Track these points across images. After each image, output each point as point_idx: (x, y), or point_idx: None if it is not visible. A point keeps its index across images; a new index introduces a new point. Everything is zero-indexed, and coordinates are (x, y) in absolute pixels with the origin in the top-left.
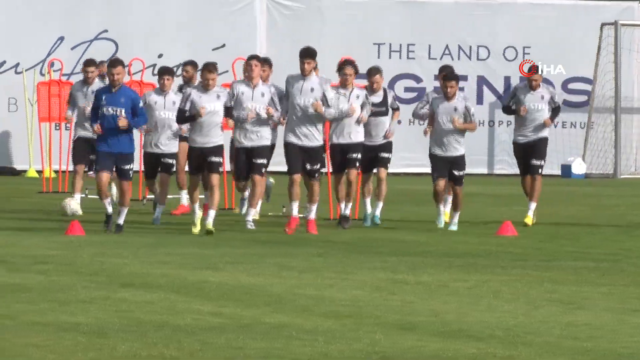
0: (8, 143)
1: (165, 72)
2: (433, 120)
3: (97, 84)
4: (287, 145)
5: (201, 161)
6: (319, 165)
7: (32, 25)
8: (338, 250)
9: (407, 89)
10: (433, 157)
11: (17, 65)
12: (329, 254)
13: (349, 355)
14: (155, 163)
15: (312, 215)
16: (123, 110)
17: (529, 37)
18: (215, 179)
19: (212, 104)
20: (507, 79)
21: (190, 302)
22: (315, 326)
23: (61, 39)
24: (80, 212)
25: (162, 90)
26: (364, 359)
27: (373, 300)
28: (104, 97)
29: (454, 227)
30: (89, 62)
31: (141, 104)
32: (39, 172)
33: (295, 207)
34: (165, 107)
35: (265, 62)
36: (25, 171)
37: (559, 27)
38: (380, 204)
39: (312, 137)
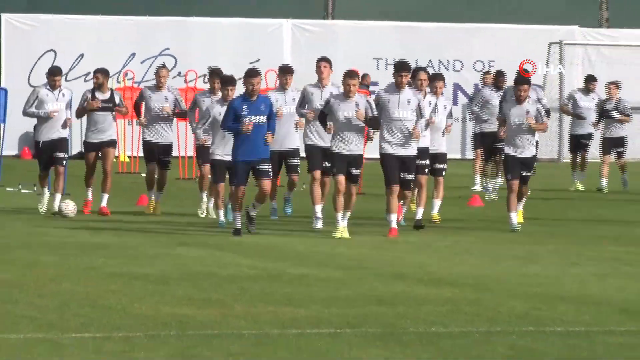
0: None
1: (228, 83)
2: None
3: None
4: (385, 156)
5: (346, 167)
6: (413, 175)
7: (111, 44)
8: (350, 219)
9: None
10: (507, 157)
11: None
12: None
13: (353, 298)
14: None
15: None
16: (265, 117)
17: (493, 53)
18: (354, 189)
19: (351, 112)
20: (476, 86)
21: (232, 258)
22: (328, 276)
23: (133, 55)
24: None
25: (224, 101)
26: (365, 301)
27: (372, 256)
28: (244, 107)
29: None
30: (57, 71)
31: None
32: (116, 157)
33: (394, 218)
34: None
35: (288, 71)
36: None
37: (516, 45)
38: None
39: (408, 146)
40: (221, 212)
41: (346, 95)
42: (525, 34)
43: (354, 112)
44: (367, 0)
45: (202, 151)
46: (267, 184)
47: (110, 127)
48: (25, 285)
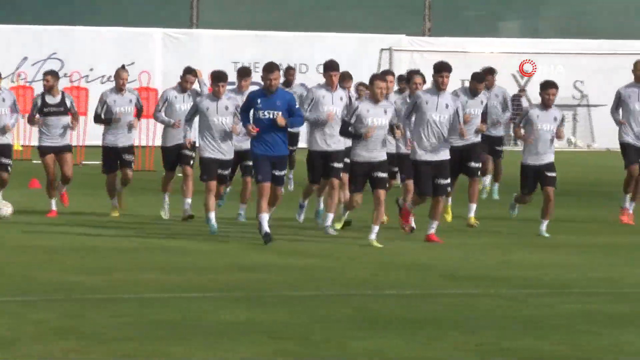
0: None
1: (219, 79)
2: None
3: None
4: (417, 164)
5: (366, 177)
6: (449, 180)
7: (6, 49)
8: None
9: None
10: (524, 168)
11: None
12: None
13: (220, 267)
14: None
15: (433, 230)
16: (280, 113)
17: (333, 58)
18: (382, 194)
19: (379, 119)
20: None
21: (117, 232)
22: (200, 248)
23: (25, 58)
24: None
25: (215, 97)
26: (231, 269)
27: (237, 232)
28: (259, 101)
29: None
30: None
31: (297, 105)
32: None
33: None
34: (218, 112)
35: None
36: None
37: (353, 51)
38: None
39: (442, 150)
40: (212, 215)
41: (375, 100)
42: (360, 41)
43: (384, 119)
44: (227, 12)
45: (206, 167)
46: (280, 190)
47: (64, 132)
48: None
